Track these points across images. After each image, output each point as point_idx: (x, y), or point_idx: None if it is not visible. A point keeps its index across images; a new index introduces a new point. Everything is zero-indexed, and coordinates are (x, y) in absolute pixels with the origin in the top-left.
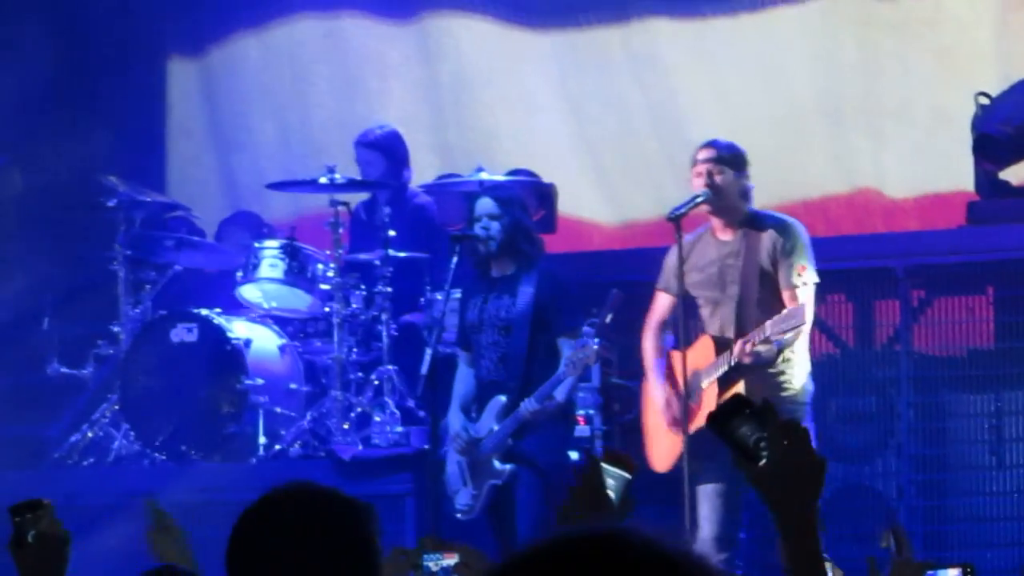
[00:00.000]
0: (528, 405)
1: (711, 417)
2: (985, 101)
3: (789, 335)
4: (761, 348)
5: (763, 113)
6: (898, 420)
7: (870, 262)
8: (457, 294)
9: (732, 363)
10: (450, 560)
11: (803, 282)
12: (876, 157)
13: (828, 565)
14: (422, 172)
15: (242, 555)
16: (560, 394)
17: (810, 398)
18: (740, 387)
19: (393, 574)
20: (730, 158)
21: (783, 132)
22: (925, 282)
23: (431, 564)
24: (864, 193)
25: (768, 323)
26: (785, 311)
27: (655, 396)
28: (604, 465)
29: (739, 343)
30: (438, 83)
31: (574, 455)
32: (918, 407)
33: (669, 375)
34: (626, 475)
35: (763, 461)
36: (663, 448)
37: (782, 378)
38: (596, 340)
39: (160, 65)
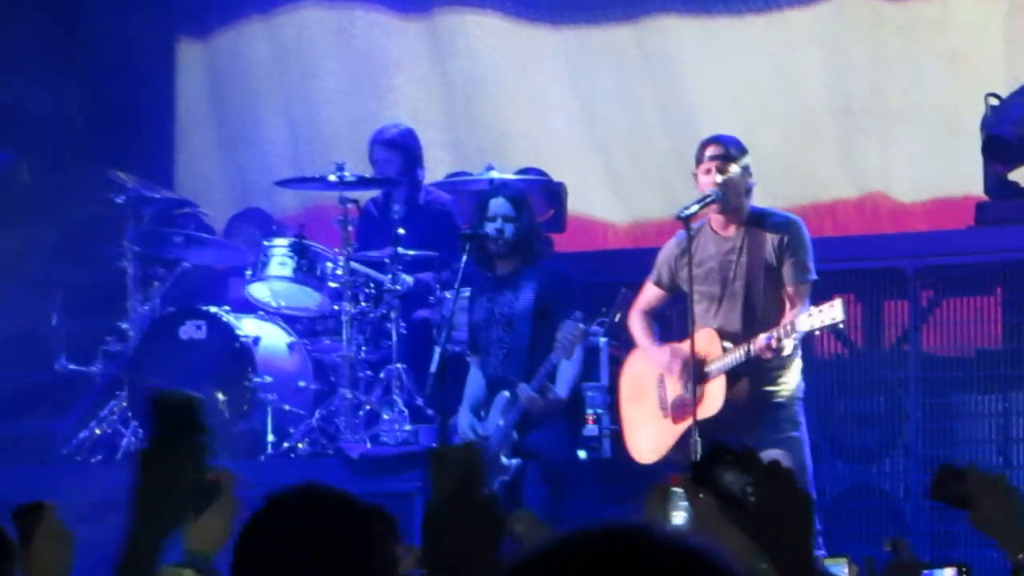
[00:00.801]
0: (524, 391)
1: (694, 467)
2: (995, 102)
3: (816, 330)
4: (785, 343)
5: (774, 113)
6: (906, 420)
7: (879, 262)
8: (468, 292)
9: (749, 356)
10: None
11: (805, 279)
12: (885, 159)
13: (844, 561)
14: (433, 170)
15: (248, 560)
16: (562, 389)
17: (802, 393)
18: (745, 382)
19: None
20: (737, 154)
21: (793, 133)
22: (934, 283)
23: None
24: (872, 196)
25: (799, 319)
26: (817, 309)
27: (658, 365)
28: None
29: (762, 337)
30: (449, 81)
31: (582, 454)
32: (926, 407)
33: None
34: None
35: (751, 506)
36: (648, 439)
37: (775, 375)
38: (581, 317)
39: (168, 54)
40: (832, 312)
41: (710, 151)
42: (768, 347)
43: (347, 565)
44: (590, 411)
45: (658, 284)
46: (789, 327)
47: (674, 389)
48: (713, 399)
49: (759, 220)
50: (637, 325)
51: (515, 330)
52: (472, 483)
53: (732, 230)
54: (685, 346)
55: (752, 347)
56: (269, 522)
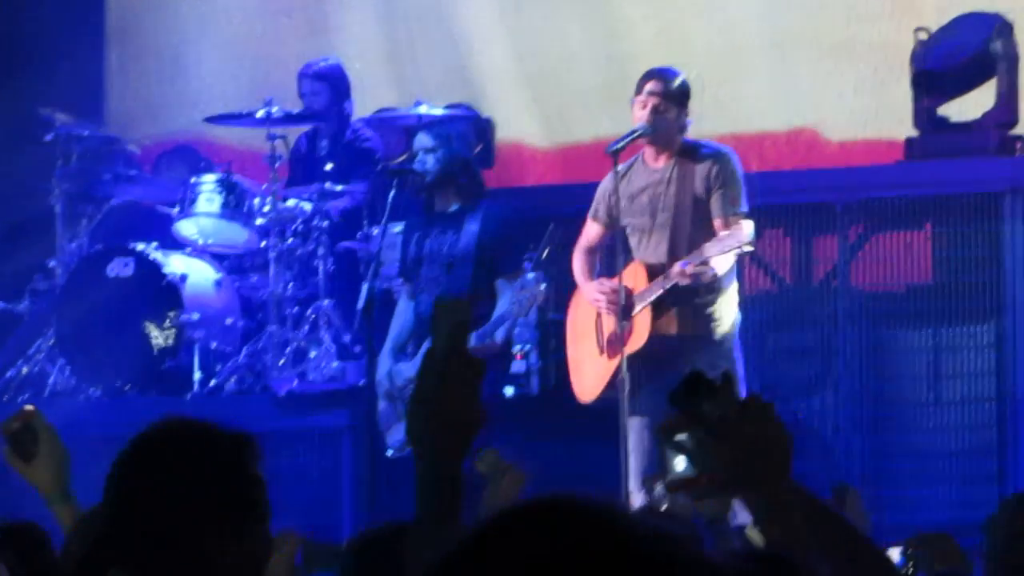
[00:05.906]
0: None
1: (672, 395)
2: (924, 36)
3: (729, 255)
4: (699, 269)
5: (703, 43)
6: (836, 356)
7: (808, 197)
8: (396, 228)
9: (668, 286)
10: None
11: (735, 211)
12: (816, 93)
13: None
14: (374, 106)
15: (119, 500)
16: (499, 335)
17: (738, 330)
18: (673, 315)
19: (278, 556)
20: (677, 94)
21: (722, 64)
22: (863, 217)
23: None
24: (801, 132)
25: (707, 244)
26: (726, 232)
27: (588, 298)
28: None
29: (677, 264)
30: (392, 17)
31: (509, 391)
32: (856, 343)
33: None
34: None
35: (726, 439)
36: (588, 377)
37: (706, 309)
38: (541, 279)
39: None
40: (739, 235)
41: (649, 86)
42: (683, 273)
43: (217, 488)
44: (517, 347)
45: (596, 219)
46: (701, 253)
47: (608, 325)
48: (639, 333)
49: (690, 152)
50: (577, 263)
51: (455, 273)
52: (463, 335)
53: (662, 161)
54: (615, 281)
55: (669, 276)
56: (136, 461)
